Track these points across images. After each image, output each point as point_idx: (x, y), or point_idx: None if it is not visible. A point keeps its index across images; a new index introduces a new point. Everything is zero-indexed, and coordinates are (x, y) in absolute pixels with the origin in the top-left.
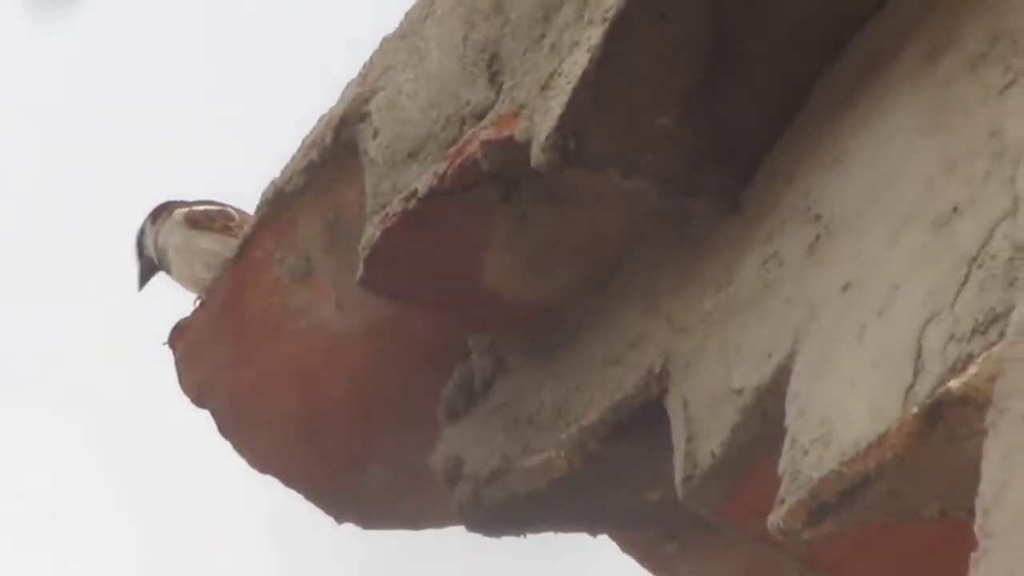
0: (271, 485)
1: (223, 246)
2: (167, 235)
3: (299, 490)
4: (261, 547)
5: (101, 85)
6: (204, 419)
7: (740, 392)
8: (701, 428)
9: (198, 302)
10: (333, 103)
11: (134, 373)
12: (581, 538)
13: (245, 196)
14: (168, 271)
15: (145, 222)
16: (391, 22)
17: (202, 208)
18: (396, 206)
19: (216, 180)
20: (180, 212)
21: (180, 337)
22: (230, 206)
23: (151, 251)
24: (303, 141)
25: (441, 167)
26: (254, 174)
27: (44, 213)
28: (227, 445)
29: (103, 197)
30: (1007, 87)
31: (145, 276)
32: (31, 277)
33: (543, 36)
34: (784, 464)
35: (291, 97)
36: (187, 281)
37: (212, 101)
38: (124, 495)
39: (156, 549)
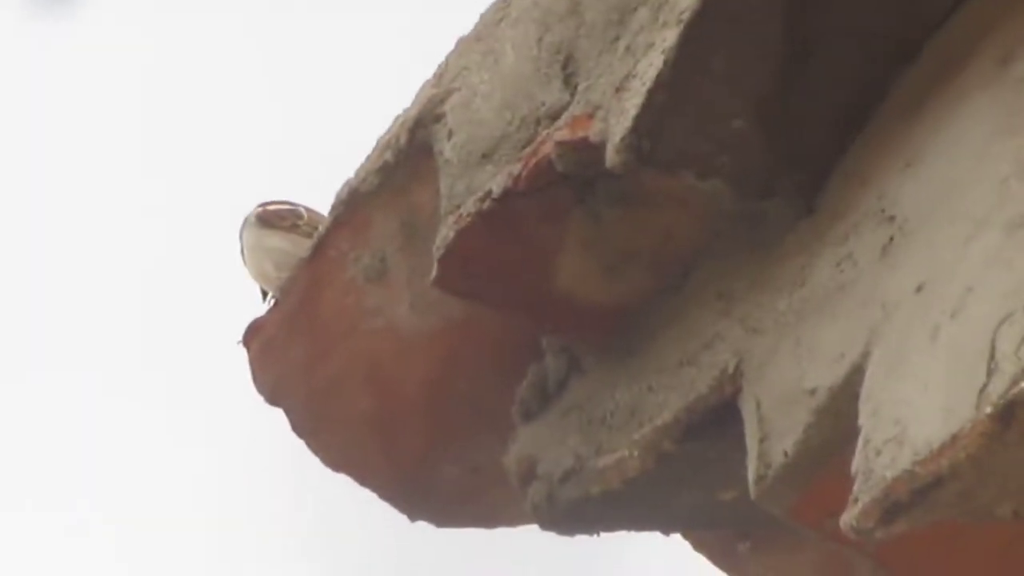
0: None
1: (293, 244)
2: (241, 234)
3: (373, 489)
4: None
5: (101, 85)
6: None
7: (813, 392)
8: (774, 428)
9: (272, 301)
10: (407, 105)
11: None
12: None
13: (246, 195)
14: (244, 264)
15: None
16: (467, 23)
17: (273, 207)
18: (471, 207)
19: (216, 179)
20: (253, 211)
21: (255, 336)
22: (301, 205)
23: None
24: (378, 141)
25: (516, 168)
26: (255, 172)
27: (44, 213)
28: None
29: (104, 197)
30: None
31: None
32: (32, 279)
33: (618, 38)
34: (857, 464)
35: (290, 95)
36: (259, 279)
37: (212, 100)
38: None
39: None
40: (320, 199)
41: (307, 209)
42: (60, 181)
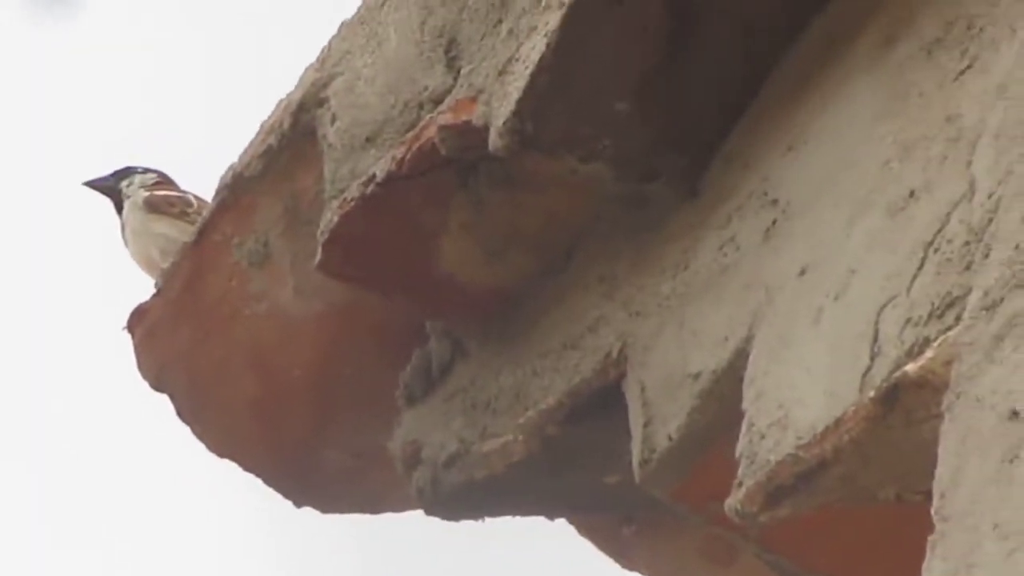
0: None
1: (180, 232)
2: (128, 212)
3: (257, 474)
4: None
5: (101, 85)
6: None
7: (697, 376)
8: (658, 412)
9: (156, 287)
10: (291, 88)
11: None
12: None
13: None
14: (126, 246)
15: (148, 172)
16: (349, 7)
17: (162, 193)
18: (354, 191)
19: (215, 178)
20: (142, 194)
21: (139, 321)
22: (190, 193)
23: (128, 190)
24: (261, 126)
25: (399, 152)
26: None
27: (44, 213)
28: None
29: (104, 196)
30: (963, 72)
31: (97, 186)
32: (26, 278)
33: (500, 21)
34: (741, 447)
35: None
36: (143, 264)
37: (213, 100)
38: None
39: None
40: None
41: (197, 197)
42: (60, 181)
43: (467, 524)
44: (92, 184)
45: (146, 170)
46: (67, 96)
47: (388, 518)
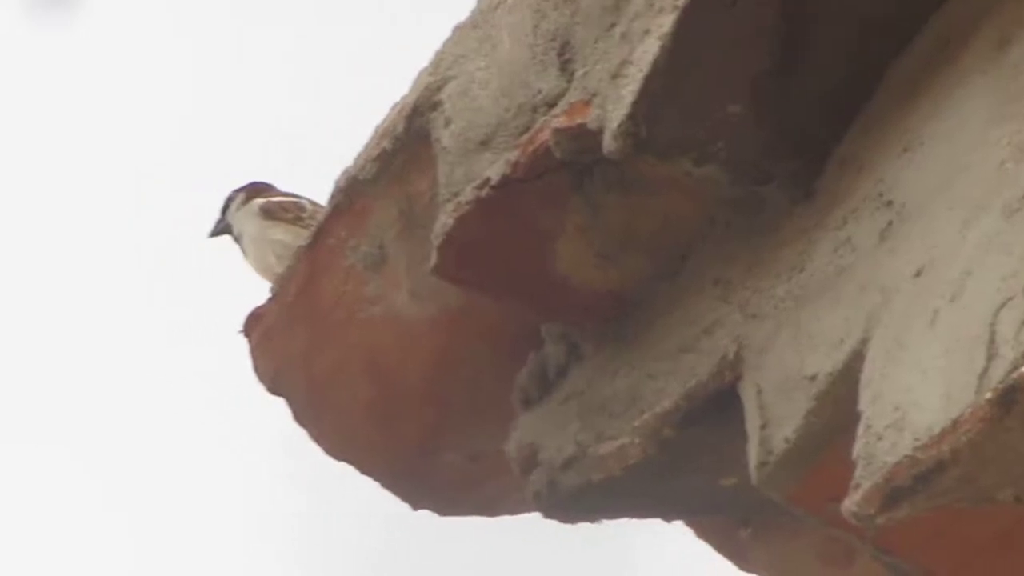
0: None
1: (295, 237)
2: (243, 221)
3: (374, 477)
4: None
5: (101, 85)
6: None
7: (813, 378)
8: (775, 414)
9: (272, 291)
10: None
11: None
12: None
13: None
14: (244, 255)
15: (240, 191)
16: (463, 11)
17: (277, 199)
18: (468, 194)
19: (215, 178)
20: (256, 202)
21: (255, 326)
22: (305, 198)
23: (231, 217)
24: (375, 129)
25: (513, 155)
26: (257, 168)
27: (45, 212)
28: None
29: (104, 196)
30: None
31: (217, 231)
32: (34, 275)
33: (614, 25)
34: (858, 449)
35: (291, 90)
36: (261, 270)
37: (213, 100)
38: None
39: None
40: (324, 190)
41: (311, 202)
42: (60, 181)
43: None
44: (215, 232)
45: (238, 191)
46: (67, 95)
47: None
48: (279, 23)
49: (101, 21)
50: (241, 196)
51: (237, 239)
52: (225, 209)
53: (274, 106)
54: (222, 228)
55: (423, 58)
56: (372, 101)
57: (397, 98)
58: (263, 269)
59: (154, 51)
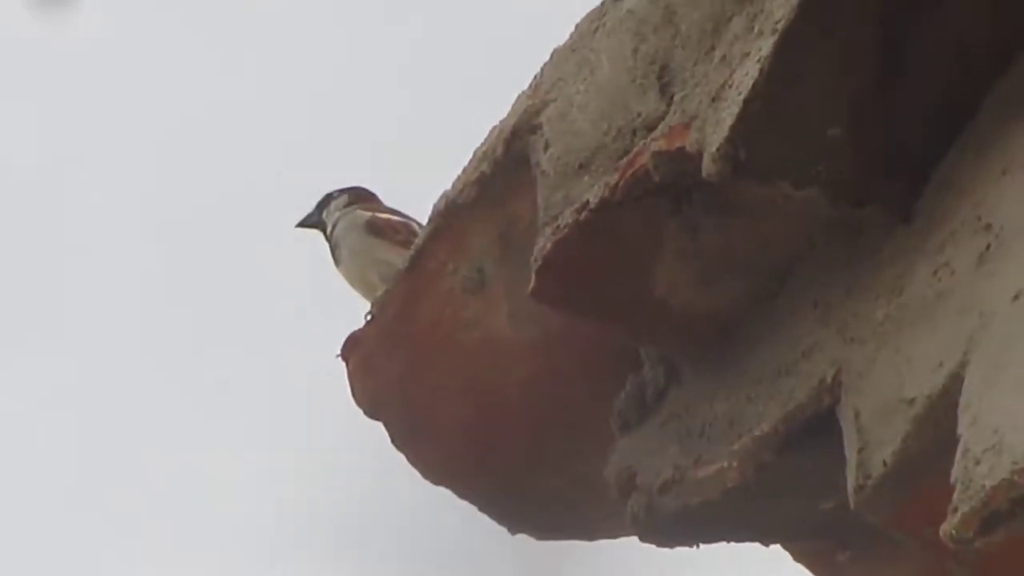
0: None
1: (402, 260)
2: (346, 231)
3: (473, 501)
4: None
5: (101, 85)
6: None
7: (912, 402)
8: (873, 438)
9: (370, 316)
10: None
11: None
12: None
13: (239, 191)
14: (336, 262)
15: (343, 192)
16: (562, 34)
17: (385, 216)
18: (567, 217)
19: (214, 178)
20: (363, 214)
21: (353, 349)
22: (415, 221)
23: (328, 217)
24: (474, 153)
25: (612, 178)
26: (252, 170)
27: (45, 212)
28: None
29: (104, 196)
30: None
31: (307, 224)
32: (33, 276)
33: (713, 48)
34: (956, 473)
35: (289, 94)
36: (358, 284)
37: (214, 100)
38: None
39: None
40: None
41: (419, 224)
42: (61, 181)
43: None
44: (304, 224)
45: (341, 191)
46: (67, 95)
47: None
48: (281, 23)
49: (102, 20)
50: (344, 198)
51: (332, 243)
52: (323, 206)
53: (276, 107)
54: (313, 222)
55: (523, 81)
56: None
57: (496, 121)
58: (363, 286)
59: (155, 50)
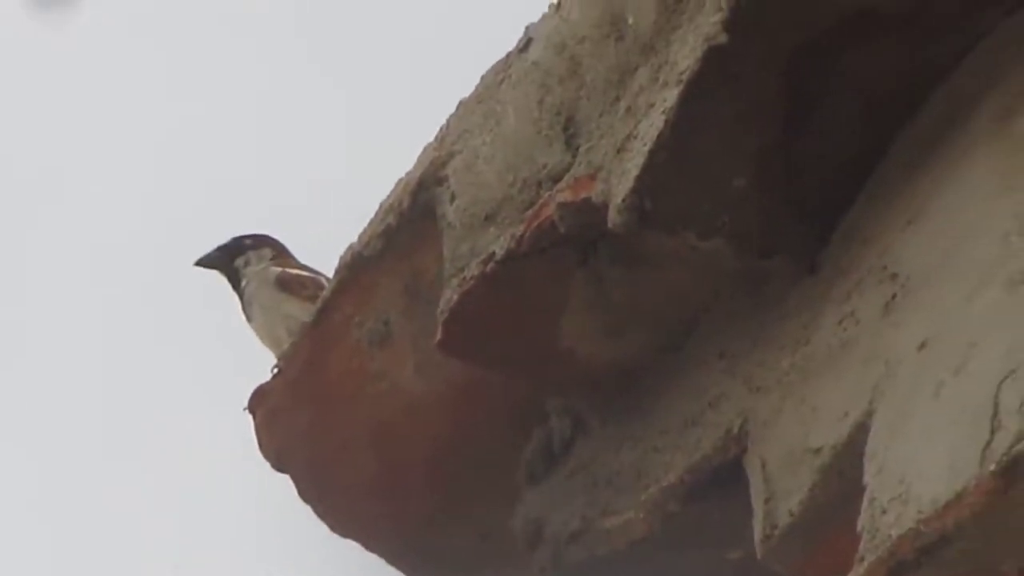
0: None
1: (308, 315)
2: (257, 288)
3: (380, 554)
4: None
5: (101, 84)
6: None
7: (818, 451)
8: (779, 488)
9: (276, 369)
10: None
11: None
12: None
13: (236, 192)
14: (248, 319)
15: (254, 244)
16: (468, 85)
17: (293, 272)
18: (474, 269)
19: (214, 179)
20: (274, 270)
21: (260, 403)
22: (322, 275)
23: (242, 269)
24: (381, 205)
25: (518, 230)
26: (252, 171)
27: (45, 212)
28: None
29: (104, 196)
30: None
31: (211, 264)
32: (29, 276)
33: (618, 99)
34: (863, 522)
35: (285, 96)
36: (268, 341)
37: (214, 100)
38: None
39: None
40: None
41: (326, 278)
42: (61, 180)
43: None
44: (203, 262)
45: (256, 241)
46: (67, 95)
47: None
48: (283, 28)
49: (102, 20)
50: (267, 251)
51: (245, 300)
52: (233, 252)
53: (277, 109)
54: (217, 265)
55: (428, 133)
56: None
57: (402, 173)
58: (271, 341)
59: (155, 50)
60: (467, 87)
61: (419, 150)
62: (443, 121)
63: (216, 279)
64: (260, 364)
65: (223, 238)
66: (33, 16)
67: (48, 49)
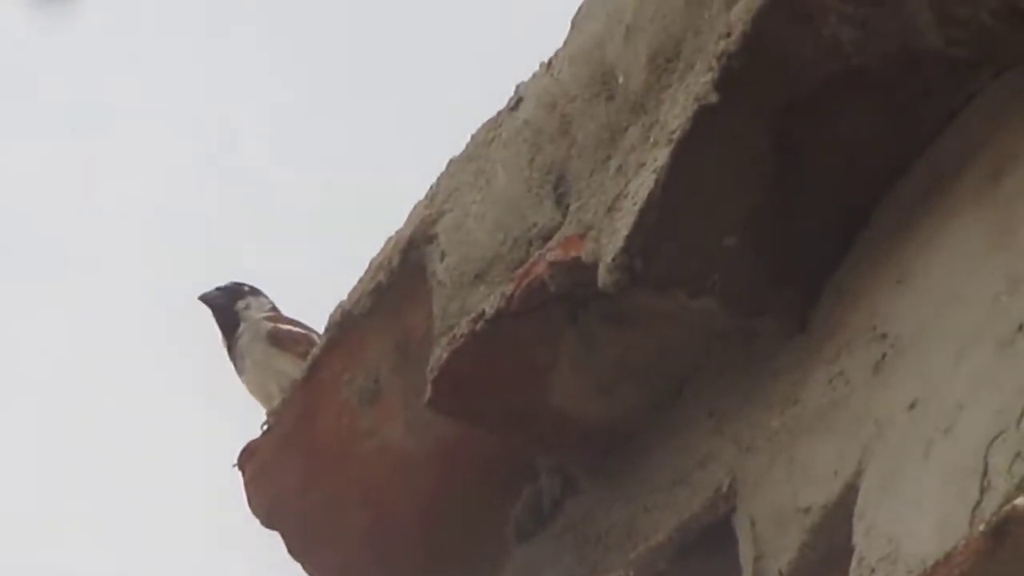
0: None
1: (300, 371)
2: (250, 342)
3: None
4: None
5: (101, 84)
6: None
7: (807, 511)
8: (769, 547)
9: (266, 425)
10: (401, 226)
11: None
12: None
13: (232, 193)
14: (239, 372)
15: (256, 294)
16: (458, 144)
17: (286, 328)
18: (464, 327)
19: (213, 180)
20: (266, 325)
21: (249, 459)
22: (315, 331)
23: (246, 315)
24: (371, 263)
25: (508, 288)
26: (251, 172)
27: (45, 212)
28: None
29: (104, 196)
30: None
31: (214, 304)
32: (32, 277)
33: (609, 158)
34: None
35: (284, 95)
36: (259, 396)
37: (213, 100)
38: None
39: None
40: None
41: (318, 335)
42: (60, 180)
43: None
44: (206, 299)
45: (254, 290)
46: (67, 94)
47: None
48: (285, 24)
49: (102, 20)
50: (258, 301)
51: (236, 352)
52: (234, 295)
53: (272, 105)
54: (219, 305)
55: (419, 191)
56: (368, 233)
57: (392, 231)
58: (262, 396)
59: (155, 50)
60: (457, 146)
61: (409, 209)
62: (433, 180)
63: (198, 323)
64: (249, 418)
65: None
66: (33, 16)
67: (48, 49)
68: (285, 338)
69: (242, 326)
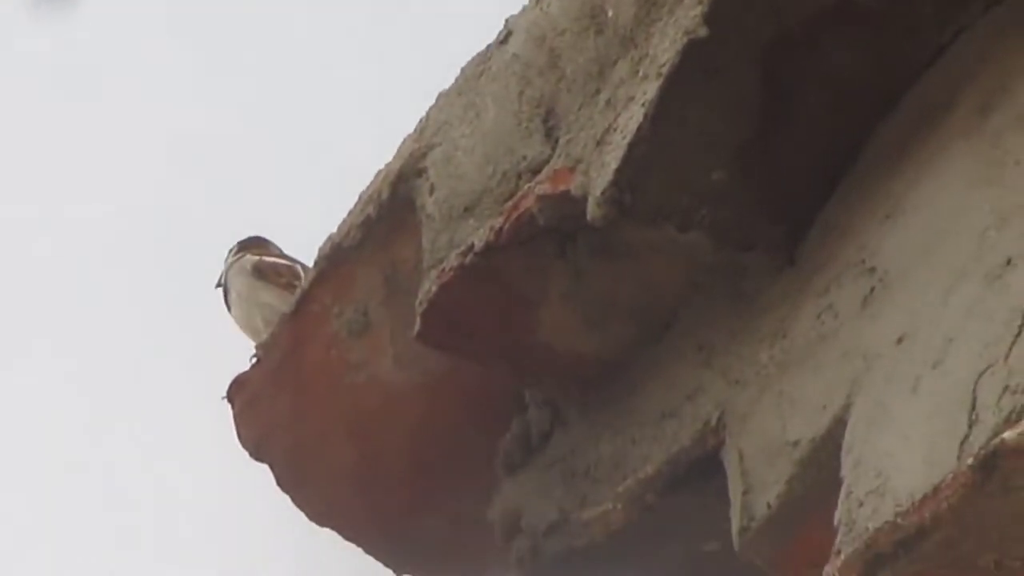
0: None
1: (285, 302)
2: (234, 276)
3: (358, 543)
4: None
5: (101, 84)
6: None
7: (796, 444)
8: (757, 480)
9: (255, 358)
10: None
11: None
12: None
13: (230, 193)
14: (228, 307)
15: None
16: (448, 78)
17: (271, 260)
18: (453, 261)
19: (212, 181)
20: (250, 259)
21: (239, 391)
22: (298, 262)
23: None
24: (360, 196)
25: (497, 222)
26: (251, 172)
27: (45, 212)
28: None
29: (103, 196)
30: None
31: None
32: (31, 277)
33: (598, 91)
34: (839, 515)
35: (284, 96)
36: (246, 329)
37: (214, 100)
38: None
39: None
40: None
41: (303, 267)
42: (60, 180)
43: None
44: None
45: (252, 241)
46: (67, 94)
47: None
48: (277, 25)
49: (102, 19)
50: (234, 247)
51: (224, 288)
52: (242, 248)
53: (272, 105)
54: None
55: (408, 124)
56: (358, 166)
57: (382, 164)
58: (250, 330)
59: (155, 49)
60: (447, 79)
61: (399, 142)
62: (423, 113)
63: (192, 271)
64: (240, 353)
65: (219, 234)
66: (33, 16)
67: (48, 49)
68: (269, 270)
69: (229, 259)
